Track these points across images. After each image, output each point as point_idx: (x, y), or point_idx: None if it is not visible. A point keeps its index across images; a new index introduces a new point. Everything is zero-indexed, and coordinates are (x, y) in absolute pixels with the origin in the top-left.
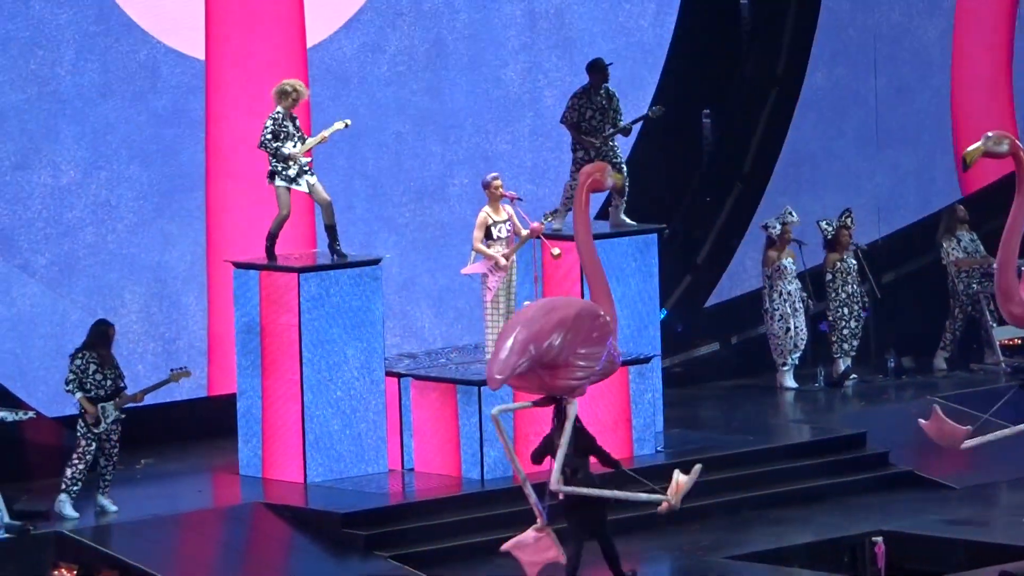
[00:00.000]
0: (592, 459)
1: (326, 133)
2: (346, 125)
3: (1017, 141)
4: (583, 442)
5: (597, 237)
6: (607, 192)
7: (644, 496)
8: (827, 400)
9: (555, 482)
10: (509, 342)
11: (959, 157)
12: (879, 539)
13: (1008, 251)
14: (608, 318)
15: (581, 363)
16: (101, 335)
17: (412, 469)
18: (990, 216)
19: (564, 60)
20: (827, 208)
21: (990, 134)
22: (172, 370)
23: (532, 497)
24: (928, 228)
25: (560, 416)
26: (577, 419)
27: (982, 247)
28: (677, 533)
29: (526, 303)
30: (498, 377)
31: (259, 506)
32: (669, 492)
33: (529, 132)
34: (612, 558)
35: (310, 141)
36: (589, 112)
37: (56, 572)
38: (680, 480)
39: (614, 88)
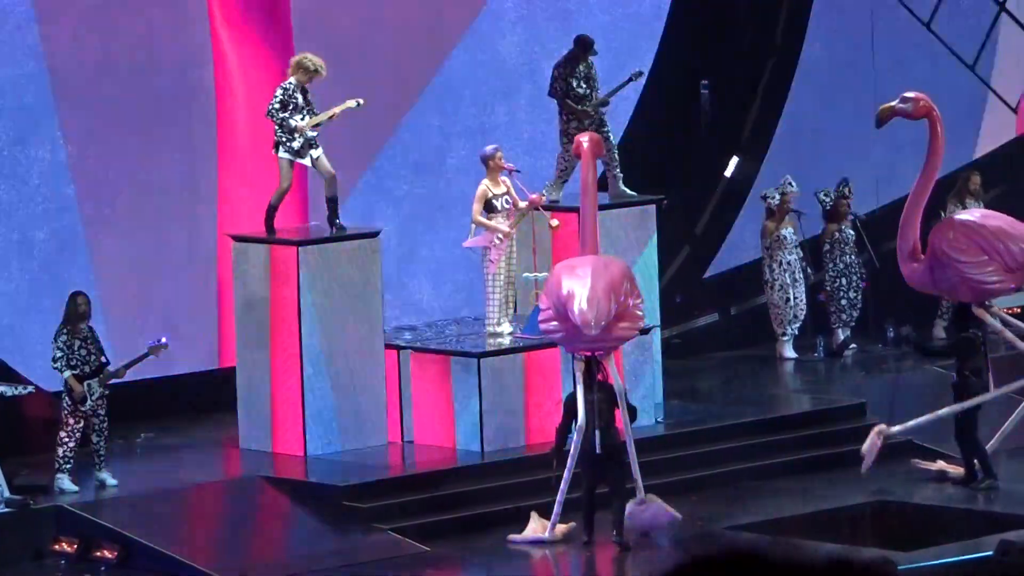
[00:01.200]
0: None
1: (336, 110)
2: (358, 104)
3: (930, 103)
4: (610, 395)
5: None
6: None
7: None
8: (827, 370)
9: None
10: (586, 292)
11: None
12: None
13: (912, 212)
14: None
15: (637, 313)
16: (74, 308)
17: (412, 442)
18: (987, 186)
19: (562, 31)
20: (825, 179)
21: (906, 95)
22: (150, 344)
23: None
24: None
25: (590, 374)
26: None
27: None
28: (676, 504)
29: (526, 275)
30: (600, 324)
31: (260, 479)
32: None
33: (527, 104)
34: (619, 519)
35: (319, 116)
36: (575, 81)
37: (56, 546)
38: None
39: (613, 60)
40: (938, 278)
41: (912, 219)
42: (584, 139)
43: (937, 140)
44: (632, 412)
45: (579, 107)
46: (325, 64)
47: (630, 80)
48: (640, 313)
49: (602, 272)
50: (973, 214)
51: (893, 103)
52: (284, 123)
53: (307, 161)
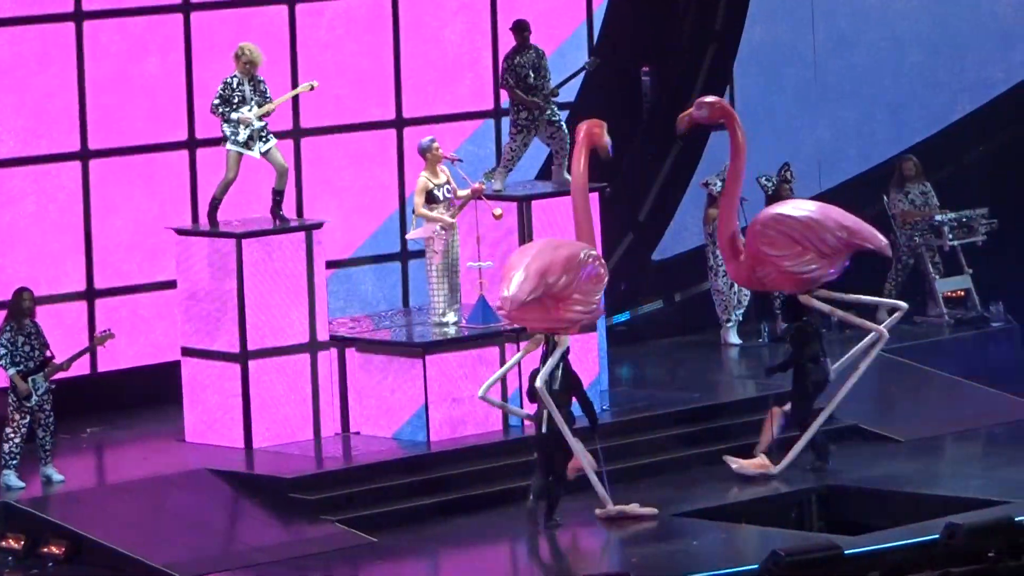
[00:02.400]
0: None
1: (283, 98)
2: (311, 87)
3: (727, 105)
4: (570, 381)
5: (538, 197)
6: (550, 151)
7: (599, 489)
8: (771, 356)
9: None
10: (519, 271)
11: None
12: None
13: (728, 213)
14: (602, 261)
15: (584, 298)
16: (18, 304)
17: (358, 433)
18: (931, 169)
19: (503, 19)
20: (768, 163)
21: (702, 100)
22: (95, 335)
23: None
24: (870, 181)
25: (549, 354)
26: (567, 359)
27: (936, 199)
28: (625, 490)
29: (470, 264)
30: (512, 302)
31: (205, 472)
32: (630, 507)
33: (469, 92)
34: (554, 502)
35: (267, 106)
36: (525, 71)
37: (3, 542)
38: (632, 510)
39: (554, 47)
40: (760, 274)
41: (728, 219)
42: (581, 127)
43: (737, 142)
44: (587, 406)
45: (529, 97)
46: (259, 50)
47: (582, 70)
48: (586, 299)
49: (546, 253)
50: (783, 206)
51: (690, 110)
52: (227, 117)
53: (254, 153)
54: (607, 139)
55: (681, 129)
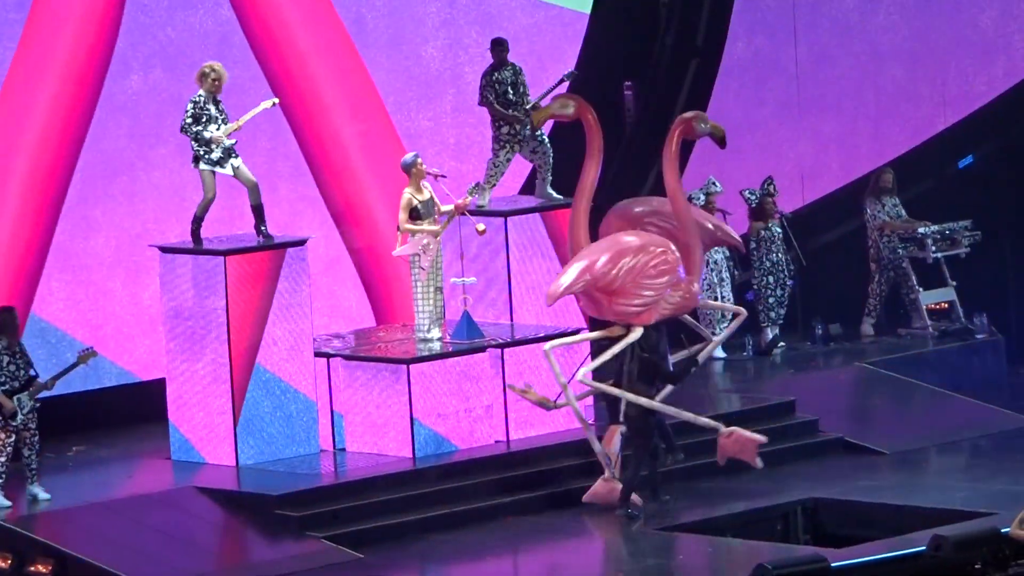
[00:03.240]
0: None
1: (250, 114)
2: (273, 104)
3: (584, 104)
4: (648, 369)
5: (522, 212)
6: (533, 166)
7: (702, 420)
8: (756, 369)
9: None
10: (571, 266)
11: None
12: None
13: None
14: (675, 255)
15: (639, 291)
16: (4, 324)
17: (343, 449)
18: (913, 182)
19: (484, 35)
20: (750, 177)
21: (560, 96)
22: (79, 352)
23: (596, 447)
24: (852, 194)
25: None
26: (645, 349)
27: (904, 212)
28: (611, 506)
29: (454, 279)
30: (550, 296)
31: (191, 490)
32: (729, 430)
33: (451, 109)
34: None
35: (233, 124)
36: (504, 87)
37: None
38: (747, 435)
39: (536, 62)
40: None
41: (577, 233)
42: (681, 117)
43: (593, 140)
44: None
45: (509, 112)
46: (223, 67)
47: (562, 81)
48: (641, 292)
49: (598, 250)
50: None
51: (547, 106)
52: (199, 136)
53: (228, 171)
54: (704, 126)
55: (536, 124)
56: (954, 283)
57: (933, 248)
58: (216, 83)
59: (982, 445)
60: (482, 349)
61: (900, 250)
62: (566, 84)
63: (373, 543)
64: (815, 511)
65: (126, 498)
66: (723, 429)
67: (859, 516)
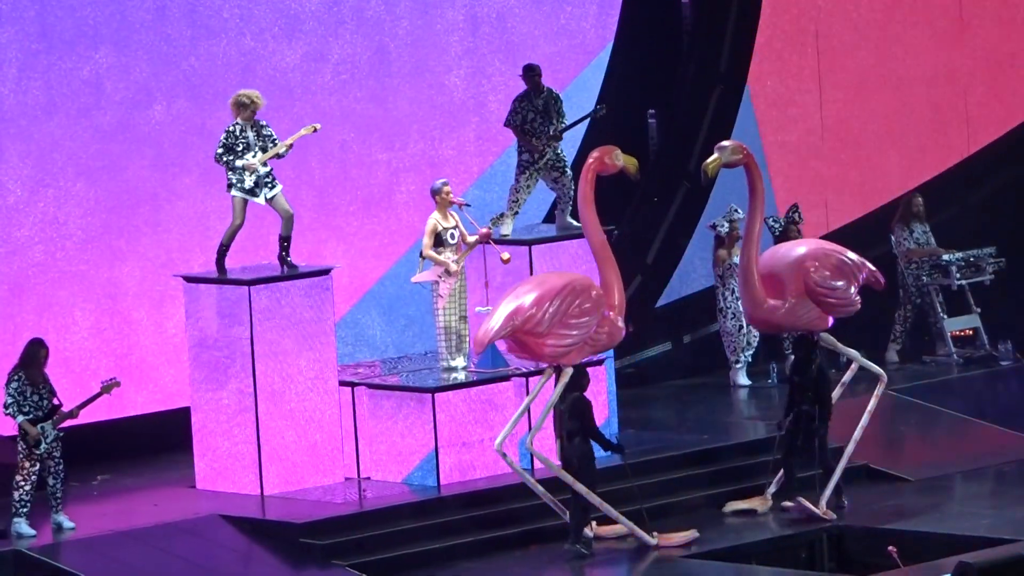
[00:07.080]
0: None
1: (290, 140)
2: (315, 130)
3: (749, 151)
4: (579, 411)
5: (544, 241)
6: (555, 195)
7: (631, 525)
8: (780, 396)
9: (530, 441)
10: (497, 312)
11: None
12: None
13: (748, 258)
14: (599, 292)
15: (566, 332)
16: (34, 356)
17: (368, 478)
18: (941, 207)
19: (507, 64)
20: (774, 205)
21: (724, 144)
22: (103, 382)
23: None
24: (876, 221)
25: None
26: (581, 392)
27: (933, 240)
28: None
29: (478, 308)
30: (478, 343)
31: (216, 518)
32: (659, 536)
33: (475, 137)
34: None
35: (272, 150)
36: (531, 115)
37: None
38: (675, 537)
39: (559, 91)
40: (802, 312)
41: (751, 262)
42: (593, 153)
43: (753, 183)
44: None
45: (530, 139)
46: (259, 94)
47: (588, 116)
48: (567, 332)
49: (523, 293)
50: (808, 244)
51: (716, 156)
52: (231, 165)
53: (260, 200)
54: (618, 162)
55: (709, 177)
56: (978, 310)
57: (957, 275)
58: (249, 109)
59: (1007, 472)
60: (506, 378)
61: (925, 277)
62: (589, 119)
63: (398, 571)
64: (840, 539)
65: (151, 527)
66: (650, 541)
67: (884, 543)
